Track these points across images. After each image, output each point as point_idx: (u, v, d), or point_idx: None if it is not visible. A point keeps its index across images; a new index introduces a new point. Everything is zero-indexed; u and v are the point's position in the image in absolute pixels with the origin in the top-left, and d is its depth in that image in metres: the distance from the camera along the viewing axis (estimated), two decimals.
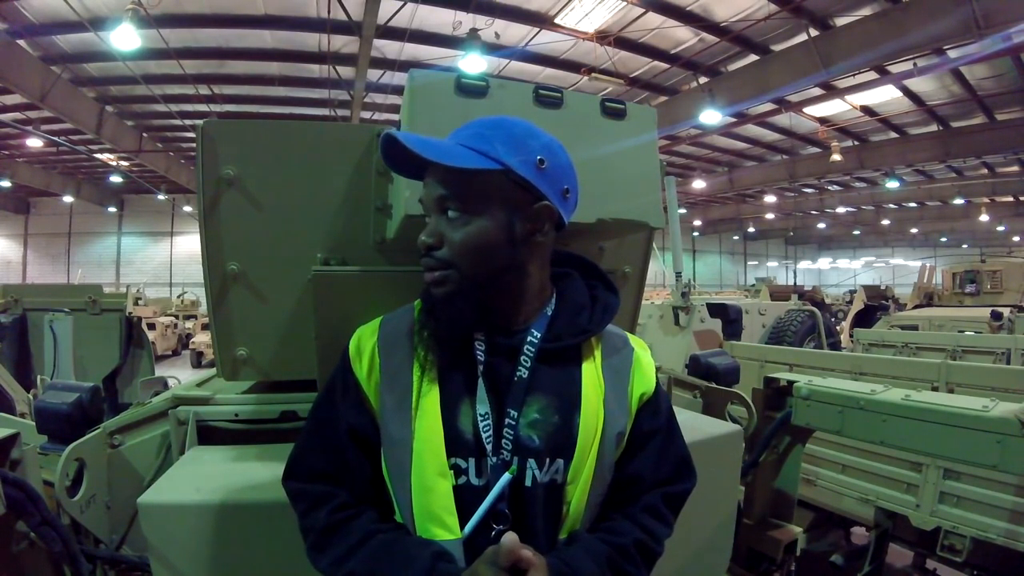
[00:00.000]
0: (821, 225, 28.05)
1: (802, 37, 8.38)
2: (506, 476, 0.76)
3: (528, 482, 0.78)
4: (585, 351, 0.86)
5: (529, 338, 0.82)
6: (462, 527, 0.75)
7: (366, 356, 0.84)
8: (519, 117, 0.96)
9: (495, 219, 0.78)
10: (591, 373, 0.85)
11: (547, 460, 0.79)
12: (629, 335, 0.94)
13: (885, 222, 25.18)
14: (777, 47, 9.06)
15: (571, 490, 0.80)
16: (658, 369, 1.71)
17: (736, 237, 32.63)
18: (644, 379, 0.89)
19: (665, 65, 10.11)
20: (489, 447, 0.78)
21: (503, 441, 0.78)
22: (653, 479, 0.87)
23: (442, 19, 8.42)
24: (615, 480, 0.85)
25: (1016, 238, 23.39)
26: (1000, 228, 24.43)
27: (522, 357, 0.81)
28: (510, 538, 0.68)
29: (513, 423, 0.79)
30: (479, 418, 0.79)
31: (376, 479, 0.83)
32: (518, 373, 0.81)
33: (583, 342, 0.86)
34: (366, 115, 12.07)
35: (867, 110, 11.99)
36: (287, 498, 0.86)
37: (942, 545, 2.24)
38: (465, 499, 0.77)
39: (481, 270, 0.79)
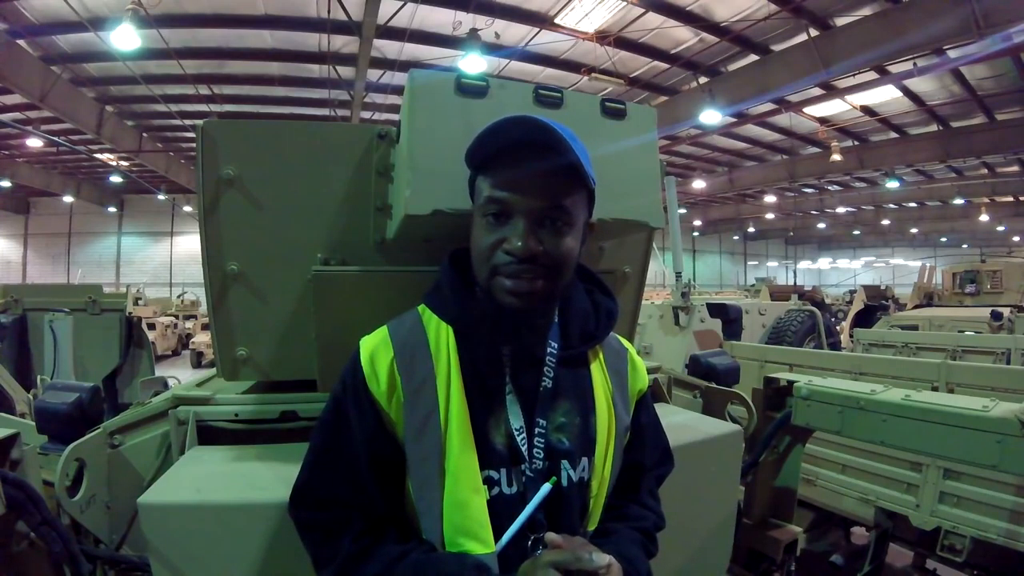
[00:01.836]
0: (821, 225, 28.05)
1: (802, 37, 8.38)
2: (546, 486, 0.77)
3: (564, 483, 0.81)
4: (590, 354, 0.90)
5: (549, 348, 0.84)
6: (495, 539, 0.75)
7: (384, 375, 0.80)
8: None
9: (579, 232, 0.81)
10: (598, 374, 0.90)
11: (578, 459, 0.83)
12: (619, 336, 0.99)
13: (885, 222, 25.18)
14: (777, 47, 9.06)
15: (595, 484, 0.84)
16: (658, 369, 1.73)
17: (736, 237, 32.63)
18: (640, 377, 0.96)
19: (665, 65, 10.12)
20: (526, 456, 0.79)
21: (535, 450, 0.80)
22: (649, 465, 0.96)
23: (442, 19, 8.42)
24: (620, 468, 0.90)
25: (1016, 238, 23.39)
26: (1000, 228, 24.42)
27: (545, 367, 0.83)
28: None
29: (543, 431, 0.81)
30: (515, 432, 0.79)
31: (392, 499, 0.81)
32: (543, 383, 0.82)
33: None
34: (366, 115, 12.07)
35: (867, 110, 11.99)
36: (288, 512, 0.85)
37: (942, 545, 2.24)
38: (498, 510, 0.77)
39: (564, 281, 0.81)
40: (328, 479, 0.81)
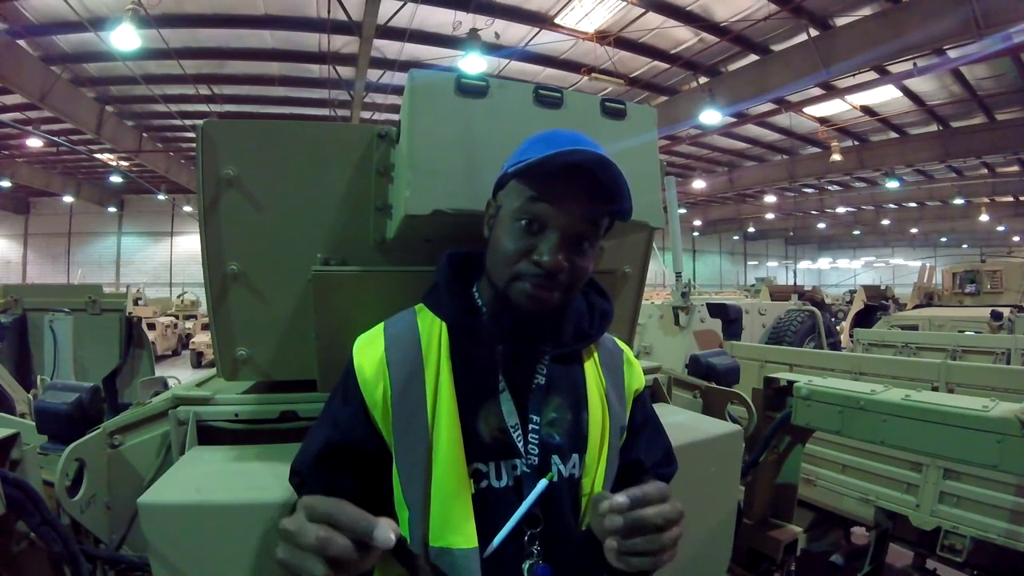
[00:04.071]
0: (821, 225, 28.05)
1: (802, 37, 8.38)
2: (543, 482, 0.78)
3: (555, 478, 0.81)
4: (584, 353, 0.92)
5: (541, 346, 0.86)
6: (479, 533, 0.75)
7: (373, 367, 0.82)
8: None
9: (595, 249, 0.82)
10: (592, 372, 0.91)
11: (569, 455, 0.83)
12: (615, 338, 1.00)
13: (885, 222, 25.19)
14: (777, 47, 9.07)
15: (587, 482, 0.84)
16: (658, 369, 1.73)
17: (736, 237, 32.63)
18: (636, 376, 0.97)
19: (665, 65, 10.12)
20: (522, 451, 0.80)
21: (530, 446, 0.80)
22: (649, 463, 0.95)
23: (442, 19, 8.43)
24: (620, 467, 0.90)
25: (1016, 238, 23.35)
26: (1000, 228, 24.43)
27: (538, 364, 0.85)
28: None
29: (537, 427, 0.82)
30: (511, 428, 0.80)
31: (366, 495, 0.80)
32: (536, 380, 0.84)
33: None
34: (366, 115, 12.07)
35: (867, 110, 12.00)
36: (289, 497, 0.87)
37: (942, 545, 2.24)
38: (487, 503, 0.78)
39: (575, 294, 0.83)
40: (300, 456, 0.84)
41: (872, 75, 9.59)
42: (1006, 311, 6.60)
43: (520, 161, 0.78)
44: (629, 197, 0.77)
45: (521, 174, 0.78)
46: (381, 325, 0.88)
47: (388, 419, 0.80)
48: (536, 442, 0.81)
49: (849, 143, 14.32)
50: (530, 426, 0.81)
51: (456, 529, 0.75)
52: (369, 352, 0.83)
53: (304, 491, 0.82)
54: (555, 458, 0.82)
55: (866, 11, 7.77)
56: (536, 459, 0.80)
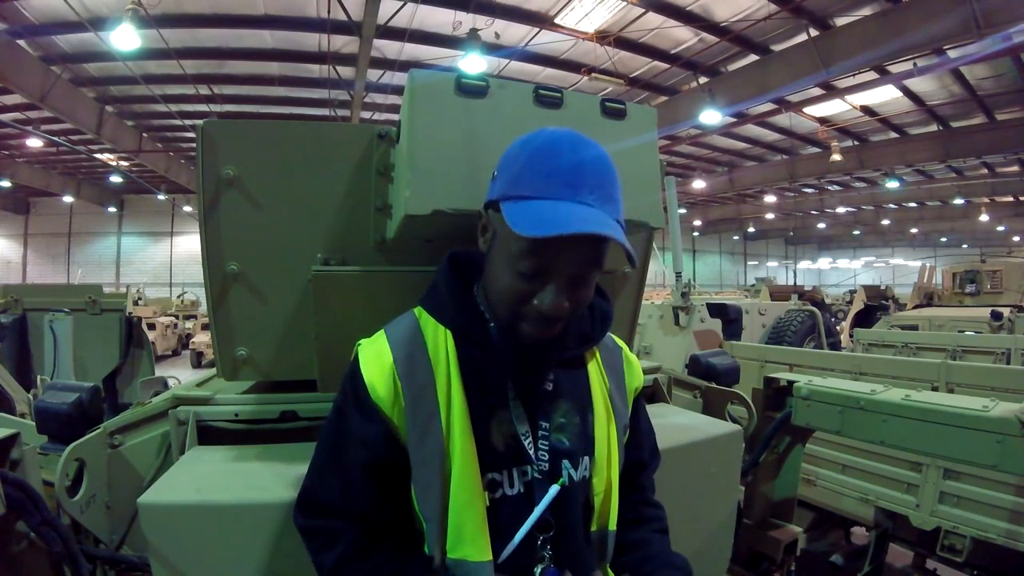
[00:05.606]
0: (821, 225, 28.07)
1: (802, 37, 8.39)
2: (555, 488, 0.78)
3: (567, 482, 0.81)
4: (587, 355, 0.92)
5: (547, 352, 0.85)
6: (494, 545, 0.75)
7: (385, 381, 0.79)
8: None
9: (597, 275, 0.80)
10: (595, 373, 0.91)
11: (579, 459, 0.84)
12: (613, 336, 1.00)
13: (885, 222, 25.20)
14: (777, 47, 9.07)
15: (597, 483, 0.85)
16: (658, 369, 1.73)
17: (736, 237, 32.63)
18: (636, 374, 0.98)
19: (665, 65, 10.12)
20: (533, 457, 0.80)
21: (540, 452, 0.81)
22: (647, 461, 0.99)
23: (442, 19, 8.43)
24: (625, 466, 0.92)
25: (1016, 238, 23.36)
26: (1000, 228, 24.43)
27: (545, 371, 0.85)
28: None
29: (546, 432, 0.82)
30: (521, 435, 0.80)
31: (395, 507, 0.80)
32: (545, 385, 0.84)
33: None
34: (366, 115, 12.07)
35: (867, 110, 12.00)
36: (289, 497, 0.86)
37: (942, 545, 2.25)
38: (501, 512, 0.78)
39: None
40: (328, 487, 0.81)
41: (872, 75, 9.59)
42: (1006, 311, 6.58)
43: (514, 196, 0.74)
44: (631, 247, 0.74)
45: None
46: (382, 335, 0.85)
47: (403, 432, 0.79)
48: (546, 448, 0.81)
49: (849, 143, 14.32)
50: (539, 432, 0.81)
51: (471, 541, 0.75)
52: (377, 365, 0.80)
53: (340, 541, 0.78)
54: (565, 462, 0.82)
55: (866, 11, 7.77)
56: (546, 465, 0.80)
